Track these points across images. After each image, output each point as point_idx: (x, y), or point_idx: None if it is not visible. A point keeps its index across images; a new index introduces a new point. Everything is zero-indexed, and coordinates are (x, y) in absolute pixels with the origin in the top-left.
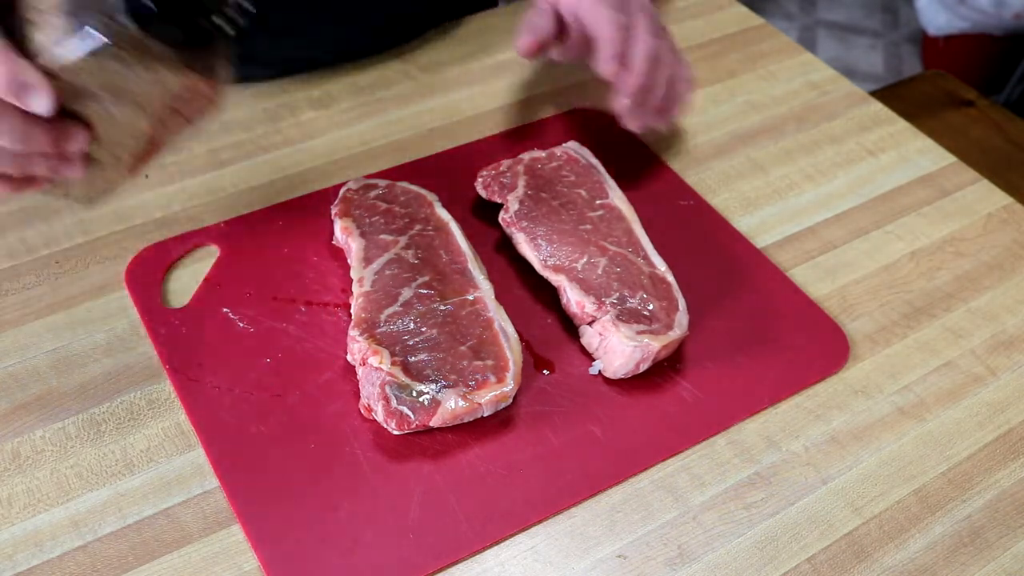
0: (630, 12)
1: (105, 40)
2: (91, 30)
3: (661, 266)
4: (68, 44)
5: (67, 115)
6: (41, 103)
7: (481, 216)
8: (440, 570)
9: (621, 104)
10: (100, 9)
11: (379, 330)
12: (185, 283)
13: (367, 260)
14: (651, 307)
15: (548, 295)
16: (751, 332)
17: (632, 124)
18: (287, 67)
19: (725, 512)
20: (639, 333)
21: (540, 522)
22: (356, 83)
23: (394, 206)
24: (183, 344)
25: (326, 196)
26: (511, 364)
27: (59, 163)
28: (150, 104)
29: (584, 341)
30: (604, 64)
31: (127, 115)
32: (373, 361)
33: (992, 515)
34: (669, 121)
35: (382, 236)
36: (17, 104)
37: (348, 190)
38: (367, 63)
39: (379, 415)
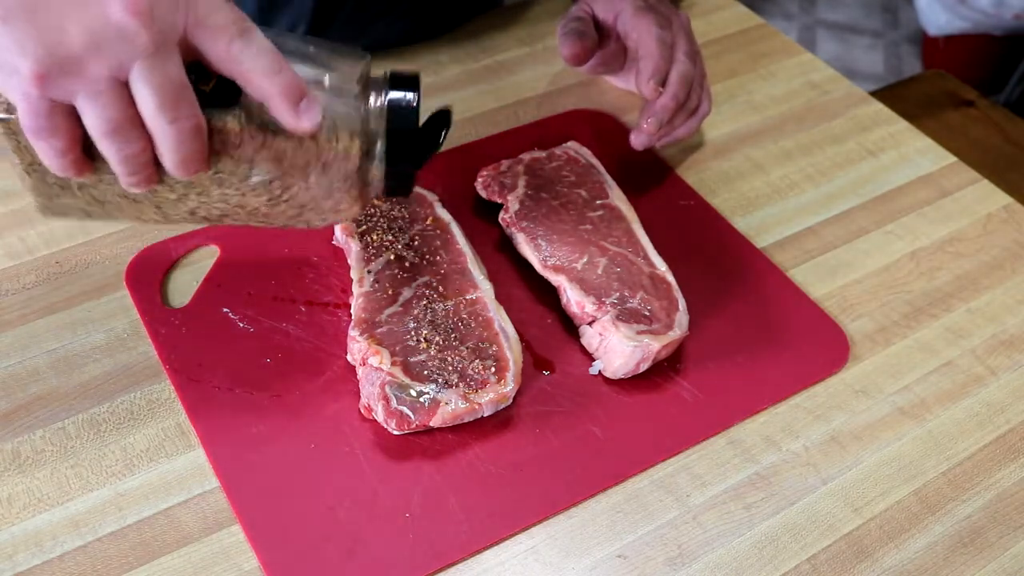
0: (672, 30)
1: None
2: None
3: (661, 266)
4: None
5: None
6: (312, 120)
7: (481, 216)
8: (440, 570)
9: (647, 123)
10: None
11: (379, 330)
12: (185, 283)
13: (367, 260)
14: (651, 307)
15: (548, 295)
16: (751, 332)
17: (640, 143)
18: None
19: (725, 512)
20: (639, 333)
21: (540, 522)
22: None
23: (394, 206)
24: (183, 344)
25: None
26: (511, 364)
27: (135, 168)
28: (287, 193)
29: (584, 341)
30: (645, 82)
31: (246, 195)
32: (373, 361)
33: (992, 515)
34: (672, 143)
35: (382, 236)
36: (285, 115)
37: None
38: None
39: (379, 415)
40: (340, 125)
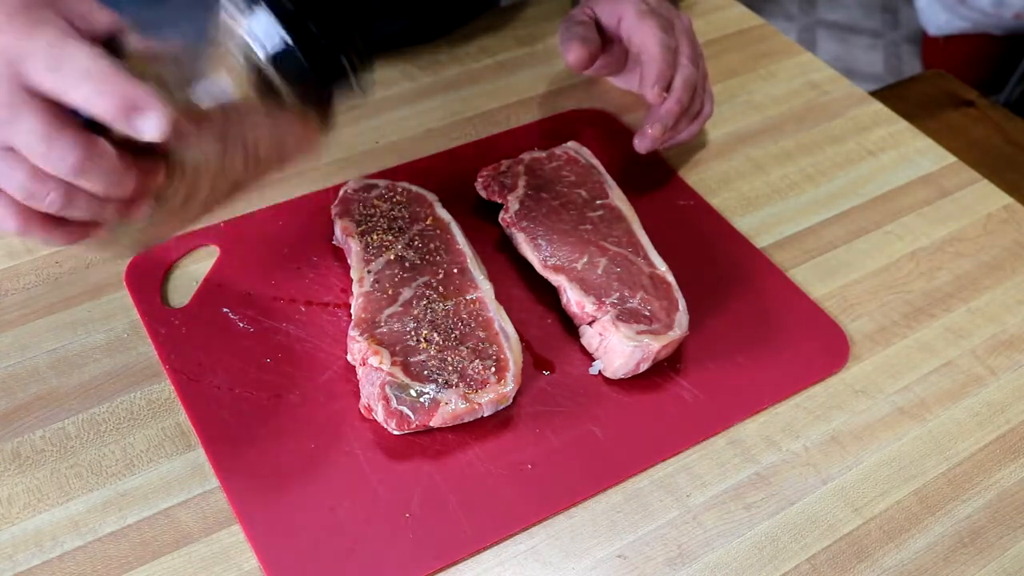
0: (675, 34)
1: (241, 87)
2: (226, 75)
3: (661, 266)
4: (201, 86)
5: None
6: (153, 126)
7: (481, 216)
8: (440, 570)
9: (652, 128)
10: (238, 45)
11: (379, 330)
12: (185, 283)
13: (367, 260)
14: (651, 307)
15: (548, 295)
16: (751, 332)
17: (644, 147)
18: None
19: (725, 512)
20: (639, 333)
21: (540, 522)
22: None
23: (394, 206)
24: (183, 344)
25: (326, 196)
26: (511, 364)
27: (129, 206)
28: (255, 149)
29: (584, 341)
30: (649, 88)
31: (227, 159)
32: (373, 361)
33: (992, 515)
34: (674, 145)
35: (382, 236)
36: (126, 128)
37: (348, 190)
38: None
39: (379, 415)
40: (222, 85)
